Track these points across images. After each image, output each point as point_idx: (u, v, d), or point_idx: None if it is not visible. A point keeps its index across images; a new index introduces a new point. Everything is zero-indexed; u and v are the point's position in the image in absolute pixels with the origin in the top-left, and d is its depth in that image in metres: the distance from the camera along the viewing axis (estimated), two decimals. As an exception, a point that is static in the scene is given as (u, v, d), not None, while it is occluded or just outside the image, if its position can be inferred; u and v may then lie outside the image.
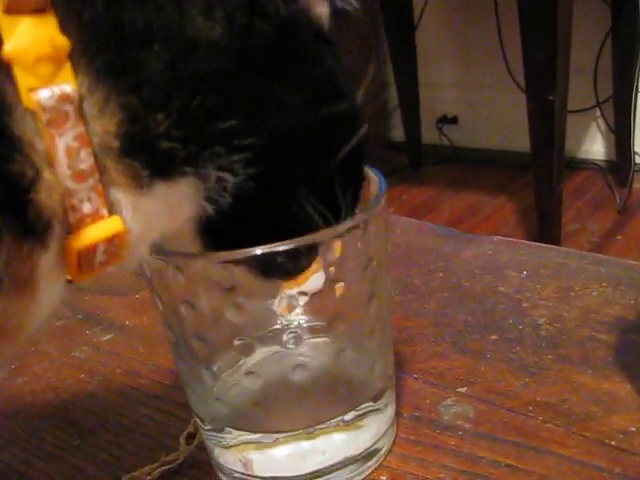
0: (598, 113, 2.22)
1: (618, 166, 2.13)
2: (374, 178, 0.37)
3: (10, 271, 0.26)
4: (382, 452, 0.40)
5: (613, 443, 0.40)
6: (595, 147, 2.27)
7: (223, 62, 0.29)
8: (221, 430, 0.38)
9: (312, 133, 0.32)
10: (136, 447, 0.45)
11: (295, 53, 0.31)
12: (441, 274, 0.60)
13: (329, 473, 0.38)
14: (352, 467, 0.39)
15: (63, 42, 0.27)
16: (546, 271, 0.57)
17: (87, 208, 0.27)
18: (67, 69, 0.27)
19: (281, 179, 0.32)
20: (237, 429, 0.38)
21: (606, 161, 2.23)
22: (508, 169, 2.35)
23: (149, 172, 0.28)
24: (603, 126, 2.23)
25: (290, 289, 0.37)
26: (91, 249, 0.28)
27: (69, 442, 0.47)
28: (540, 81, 1.60)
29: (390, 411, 0.41)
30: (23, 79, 0.26)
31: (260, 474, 0.38)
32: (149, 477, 0.42)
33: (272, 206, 0.33)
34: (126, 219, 0.29)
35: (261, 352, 0.37)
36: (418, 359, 0.50)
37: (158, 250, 0.33)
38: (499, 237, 0.64)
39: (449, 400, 0.45)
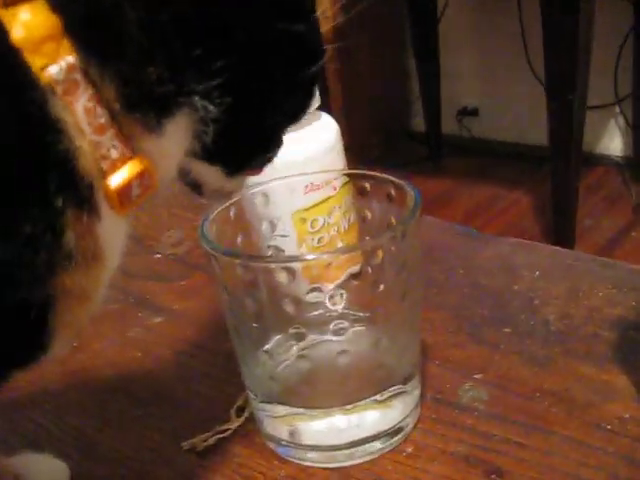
0: (617, 110, 2.25)
1: (635, 163, 2.17)
2: (410, 192, 0.43)
3: (79, 247, 0.31)
4: (408, 428, 0.47)
5: (609, 427, 0.46)
6: (613, 143, 2.31)
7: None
8: (272, 404, 0.45)
9: (272, 51, 0.35)
10: (191, 418, 0.52)
11: None
12: (461, 271, 0.66)
13: (362, 444, 0.45)
14: (382, 440, 0.45)
15: (55, 21, 0.30)
16: (557, 272, 0.63)
17: (114, 154, 0.32)
18: (65, 44, 0.31)
19: (252, 102, 0.35)
20: (286, 404, 0.44)
21: (623, 157, 2.27)
22: (527, 162, 2.38)
23: (153, 116, 0.32)
24: (622, 123, 2.26)
25: (330, 283, 0.43)
26: (127, 186, 0.33)
27: (132, 412, 0.54)
28: (560, 81, 1.64)
29: (416, 393, 0.47)
30: (34, 60, 0.30)
31: (304, 442, 0.45)
32: (205, 443, 0.48)
33: (250, 126, 0.37)
34: (148, 156, 0.33)
35: (311, 339, 0.44)
36: (440, 348, 0.56)
37: (230, 251, 0.39)
38: (515, 239, 0.70)
39: (467, 385, 0.51)
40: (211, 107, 0.34)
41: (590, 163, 2.23)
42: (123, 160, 0.32)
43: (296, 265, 0.39)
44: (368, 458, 0.45)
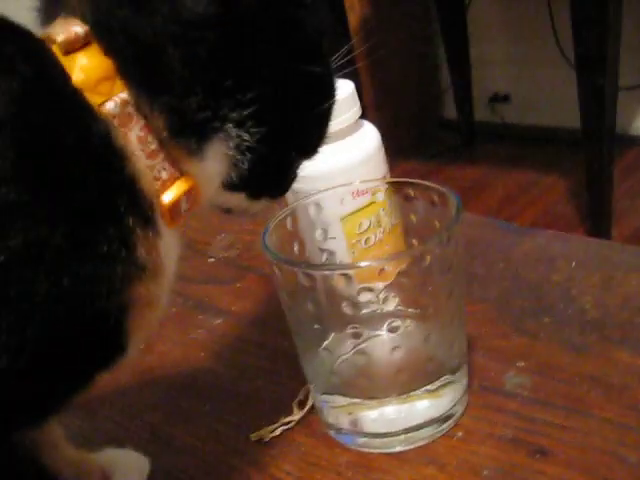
0: (650, 90, 2.24)
1: (670, 142, 2.17)
2: (452, 199, 0.47)
3: (148, 260, 0.36)
4: (458, 414, 0.51)
5: (644, 408, 0.50)
6: (647, 123, 2.30)
7: (218, 35, 0.36)
8: (332, 395, 0.49)
9: (292, 89, 0.40)
10: (256, 412, 0.57)
11: (276, 20, 0.38)
12: (501, 264, 0.69)
13: (417, 430, 0.49)
14: (435, 426, 0.49)
15: (108, 63, 0.36)
16: (592, 262, 0.66)
17: (164, 175, 0.38)
18: (118, 82, 0.36)
19: (277, 133, 0.40)
20: (345, 395, 0.49)
21: (658, 138, 2.26)
22: (560, 146, 2.37)
23: (194, 141, 0.38)
24: (655, 103, 2.26)
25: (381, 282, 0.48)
26: (177, 202, 0.38)
27: (200, 408, 0.58)
28: (591, 66, 1.66)
29: (464, 382, 0.51)
30: (93, 98, 0.36)
31: (363, 430, 0.49)
32: (272, 434, 0.53)
33: (274, 156, 0.41)
34: (192, 177, 0.39)
35: (367, 335, 0.48)
36: (484, 338, 0.60)
37: (291, 261, 0.43)
38: (551, 230, 0.73)
39: (510, 372, 0.55)
40: (242, 134, 0.38)
41: (624, 144, 2.22)
42: (172, 180, 0.38)
43: (351, 271, 0.43)
44: (422, 443, 0.49)
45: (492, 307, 0.64)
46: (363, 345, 0.48)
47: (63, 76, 0.35)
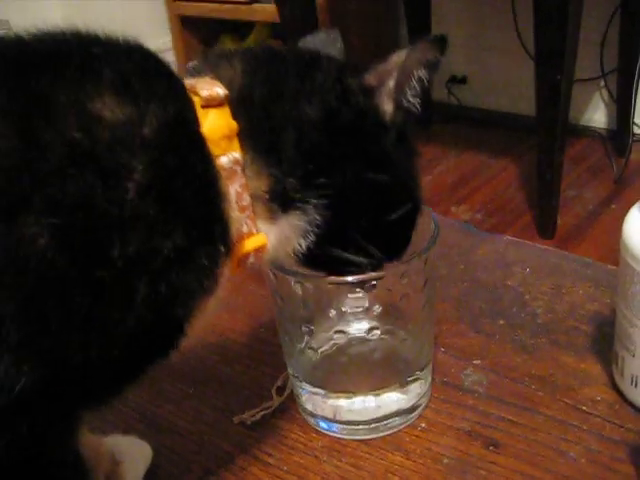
0: (602, 83, 2.33)
1: (618, 135, 2.26)
2: (431, 223, 0.52)
3: (219, 280, 0.43)
4: (422, 407, 0.57)
5: (584, 408, 0.57)
6: (597, 116, 2.39)
7: (323, 135, 0.45)
8: (314, 387, 0.55)
9: (369, 192, 0.47)
10: (237, 395, 0.62)
11: (364, 132, 0.47)
12: (462, 266, 0.76)
13: (386, 420, 0.55)
14: (402, 417, 0.56)
15: (234, 126, 0.44)
16: (544, 269, 0.73)
17: (245, 229, 0.45)
18: (236, 143, 0.44)
19: (343, 222, 0.47)
20: (325, 388, 0.55)
21: (607, 130, 2.36)
22: (514, 131, 2.44)
23: (279, 209, 0.45)
24: (606, 96, 2.35)
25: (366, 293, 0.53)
26: (247, 255, 0.46)
27: (185, 390, 0.63)
28: (549, 61, 1.72)
29: (429, 378, 0.58)
30: (213, 149, 0.43)
31: (339, 419, 0.56)
32: (253, 418, 0.59)
33: (337, 239, 0.47)
34: (265, 237, 0.46)
35: (350, 338, 0.54)
36: (444, 336, 0.66)
37: (287, 270, 0.49)
38: (509, 237, 0.80)
39: (468, 370, 0.62)
40: (315, 217, 0.45)
41: (574, 134, 2.30)
42: (249, 235, 0.45)
43: (341, 282, 0.49)
44: (390, 432, 0.56)
45: (452, 307, 0.70)
46: (345, 346, 0.54)
47: (196, 124, 0.42)
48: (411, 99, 0.46)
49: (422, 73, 0.45)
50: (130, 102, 0.39)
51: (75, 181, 0.37)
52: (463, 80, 2.66)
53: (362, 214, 0.47)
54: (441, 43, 0.46)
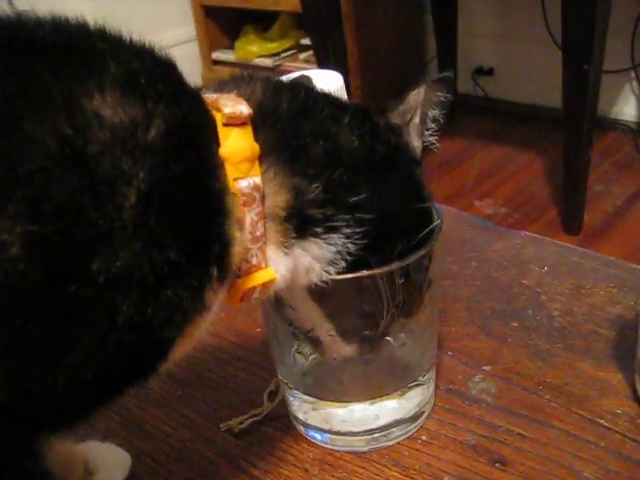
0: (633, 75, 2.26)
1: (648, 129, 2.19)
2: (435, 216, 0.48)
3: (208, 302, 0.39)
4: (423, 416, 0.52)
5: (602, 422, 0.52)
6: (627, 109, 2.32)
7: (356, 159, 0.43)
8: (304, 394, 0.51)
9: (403, 221, 0.45)
10: (227, 400, 0.58)
11: (397, 167, 0.45)
12: (474, 263, 0.71)
13: (383, 431, 0.51)
14: (401, 427, 0.51)
15: (256, 148, 0.40)
16: (563, 268, 0.68)
17: (254, 261, 0.41)
18: (257, 166, 0.40)
19: (377, 249, 0.44)
20: (316, 396, 0.50)
21: (637, 123, 2.28)
22: (540, 124, 2.39)
23: (294, 232, 0.41)
24: (637, 88, 2.27)
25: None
26: (253, 290, 0.42)
27: (173, 392, 0.59)
28: (577, 51, 1.66)
29: (432, 385, 0.53)
30: (231, 172, 0.39)
31: (331, 429, 0.51)
32: (241, 425, 0.54)
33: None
34: (274, 269, 0.41)
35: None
36: (452, 338, 0.61)
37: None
38: (526, 233, 0.74)
39: (476, 377, 0.57)
40: (341, 250, 0.42)
41: (603, 127, 2.24)
42: (257, 268, 0.41)
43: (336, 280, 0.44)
44: (387, 444, 0.51)
45: (462, 307, 0.65)
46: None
47: (215, 143, 0.39)
48: (430, 138, 0.47)
49: (436, 113, 0.47)
50: (136, 102, 0.35)
51: (60, 183, 0.32)
52: (490, 72, 2.61)
53: (391, 243, 0.45)
54: (448, 83, 0.47)
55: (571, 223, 1.88)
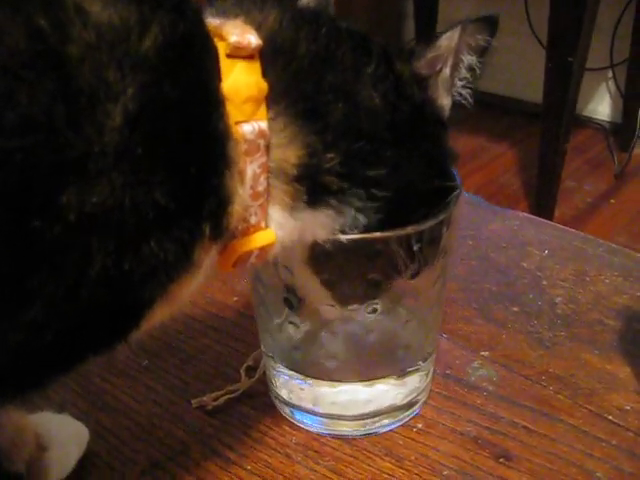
0: (610, 74, 2.24)
1: (621, 129, 2.17)
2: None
3: (198, 261, 0.33)
4: (419, 404, 0.47)
5: (611, 417, 0.47)
6: (601, 107, 2.31)
7: (377, 125, 0.37)
8: (292, 371, 0.45)
9: (422, 195, 0.40)
10: (199, 373, 0.52)
11: (421, 133, 0.39)
12: (470, 242, 0.66)
13: (376, 416, 0.46)
14: (395, 414, 0.46)
15: (264, 86, 0.34)
16: (565, 253, 0.64)
17: (253, 220, 0.35)
18: (263, 108, 0.34)
19: (390, 222, 0.38)
20: (306, 373, 0.45)
21: (611, 123, 2.27)
22: (516, 117, 2.37)
23: (306, 197, 0.35)
24: (613, 88, 2.26)
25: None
26: (250, 253, 0.36)
27: (138, 362, 0.53)
28: (562, 42, 1.63)
29: (430, 369, 0.48)
30: (233, 114, 0.33)
31: (319, 411, 0.46)
32: (215, 402, 0.49)
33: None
34: (275, 232, 0.36)
35: (343, 315, 0.44)
36: (448, 320, 0.56)
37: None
38: (525, 213, 0.70)
39: (475, 363, 0.52)
40: (362, 219, 0.37)
41: (577, 124, 2.22)
42: (256, 228, 0.35)
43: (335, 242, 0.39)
44: (380, 431, 0.46)
45: (458, 287, 0.60)
46: (334, 323, 0.44)
47: (216, 77, 0.33)
48: (462, 91, 0.41)
49: (472, 60, 0.40)
50: (131, 1, 0.29)
51: (28, 88, 0.26)
52: (466, 61, 2.57)
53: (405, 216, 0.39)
54: (492, 24, 0.39)
55: (542, 216, 1.84)
